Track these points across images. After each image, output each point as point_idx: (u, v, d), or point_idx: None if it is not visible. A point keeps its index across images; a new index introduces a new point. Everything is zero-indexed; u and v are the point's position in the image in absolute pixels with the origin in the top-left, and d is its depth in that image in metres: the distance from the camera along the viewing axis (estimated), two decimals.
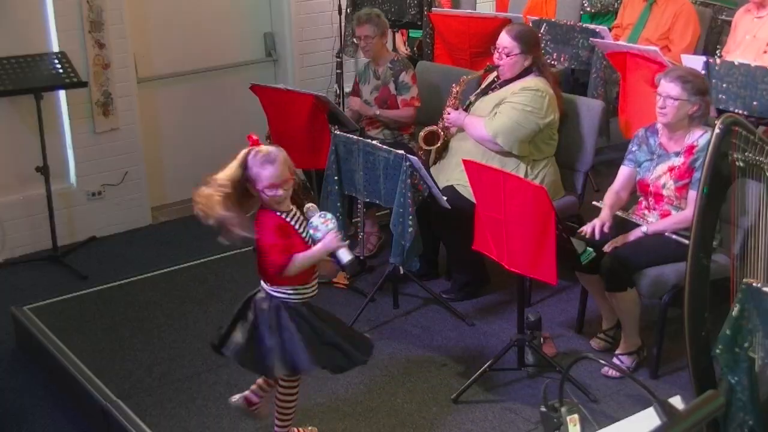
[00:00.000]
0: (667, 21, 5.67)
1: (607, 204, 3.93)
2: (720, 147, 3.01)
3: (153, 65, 5.95)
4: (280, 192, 3.05)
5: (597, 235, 3.78)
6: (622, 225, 3.90)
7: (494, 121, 4.32)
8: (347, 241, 3.16)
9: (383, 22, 5.11)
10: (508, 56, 4.34)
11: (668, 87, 3.69)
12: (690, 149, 3.74)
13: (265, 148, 3.09)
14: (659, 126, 3.83)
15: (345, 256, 3.10)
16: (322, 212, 3.14)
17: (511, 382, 3.82)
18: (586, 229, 3.81)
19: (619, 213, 3.96)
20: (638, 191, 3.93)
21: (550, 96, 4.31)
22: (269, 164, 3.03)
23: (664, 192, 3.81)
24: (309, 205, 3.16)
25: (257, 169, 3.03)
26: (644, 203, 3.93)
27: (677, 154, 3.77)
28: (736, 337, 2.84)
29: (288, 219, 3.11)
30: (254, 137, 3.12)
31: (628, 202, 4.02)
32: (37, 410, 3.95)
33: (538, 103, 4.29)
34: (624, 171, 3.97)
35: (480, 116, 4.41)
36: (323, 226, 3.09)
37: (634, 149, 3.94)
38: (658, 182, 3.81)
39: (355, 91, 5.31)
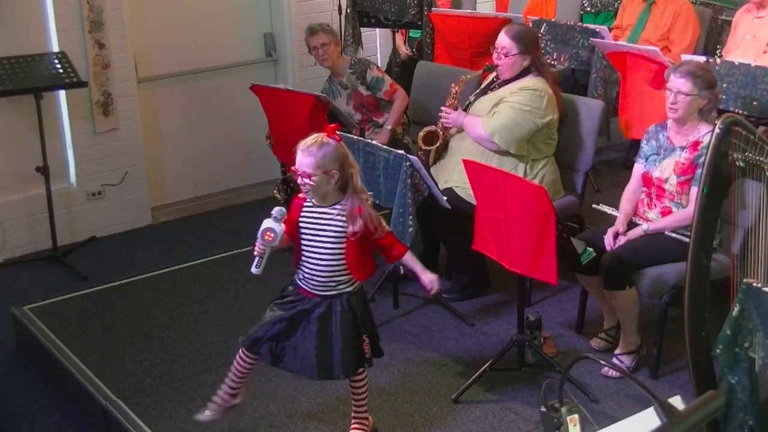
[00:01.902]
0: (667, 21, 5.67)
1: (622, 210, 3.95)
2: (720, 147, 3.00)
3: (153, 65, 5.95)
4: (298, 180, 3.14)
5: (612, 245, 3.80)
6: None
7: (492, 120, 4.32)
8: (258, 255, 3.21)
9: (334, 31, 5.20)
10: (506, 56, 4.34)
11: (679, 83, 3.70)
12: (695, 145, 3.75)
13: (314, 137, 3.14)
14: (669, 121, 3.84)
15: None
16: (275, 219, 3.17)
17: (511, 382, 3.82)
18: (606, 244, 3.83)
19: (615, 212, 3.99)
20: (642, 185, 3.93)
21: (549, 95, 4.31)
22: (299, 150, 3.13)
23: (667, 186, 3.81)
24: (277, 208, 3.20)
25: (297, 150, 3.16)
26: (645, 200, 3.93)
27: (683, 148, 3.78)
28: (736, 337, 2.84)
29: (304, 205, 3.21)
30: (330, 127, 3.20)
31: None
32: (37, 410, 3.95)
33: (537, 103, 4.29)
34: (637, 168, 3.97)
35: (479, 116, 4.41)
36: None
37: (643, 144, 3.96)
38: (662, 176, 3.82)
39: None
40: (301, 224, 3.21)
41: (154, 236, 5.69)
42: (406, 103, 5.11)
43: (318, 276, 3.20)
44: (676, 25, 5.65)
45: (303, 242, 3.22)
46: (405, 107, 5.10)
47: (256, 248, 3.19)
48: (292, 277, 3.32)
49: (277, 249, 3.21)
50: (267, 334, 3.25)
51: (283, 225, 3.16)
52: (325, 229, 3.18)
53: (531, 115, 4.28)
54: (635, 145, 5.71)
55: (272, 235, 3.14)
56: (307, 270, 3.22)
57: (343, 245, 3.17)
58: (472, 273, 4.56)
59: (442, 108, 4.57)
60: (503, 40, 4.35)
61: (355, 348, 3.24)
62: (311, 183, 3.10)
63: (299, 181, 3.14)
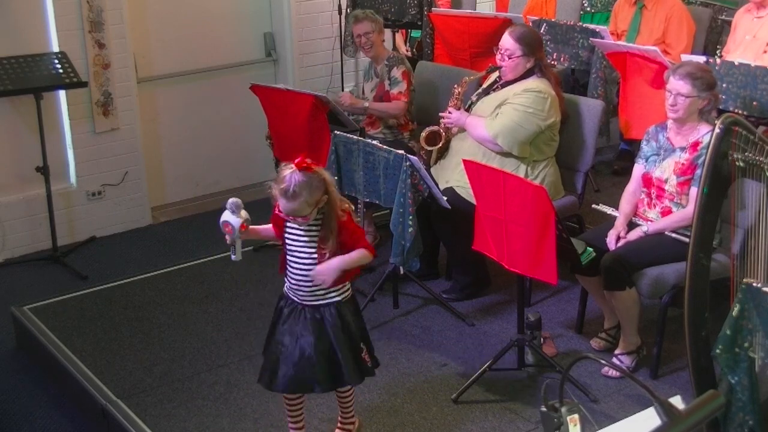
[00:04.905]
0: (660, 25, 5.64)
1: (622, 211, 3.95)
2: (720, 147, 3.01)
3: (153, 65, 5.95)
4: (290, 219, 3.09)
5: (614, 248, 3.80)
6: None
7: (495, 122, 4.32)
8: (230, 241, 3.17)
9: (379, 20, 5.18)
10: (510, 58, 4.33)
11: (678, 85, 3.70)
12: (695, 145, 3.75)
13: (282, 176, 3.04)
14: (669, 122, 3.84)
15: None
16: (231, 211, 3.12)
17: (511, 382, 3.82)
18: (608, 247, 3.83)
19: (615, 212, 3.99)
20: (642, 185, 3.93)
21: (552, 97, 4.31)
22: (283, 197, 3.03)
23: (667, 187, 3.81)
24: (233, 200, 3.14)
25: (277, 194, 3.05)
26: (645, 200, 3.93)
27: (682, 149, 3.78)
28: (736, 337, 2.84)
29: (288, 224, 3.14)
30: (297, 160, 3.06)
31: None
32: (37, 410, 3.95)
33: (540, 105, 4.28)
34: (637, 169, 3.98)
35: (481, 116, 4.41)
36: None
37: (643, 145, 3.96)
38: (662, 177, 3.82)
39: (363, 91, 5.37)
40: (287, 231, 3.17)
41: (154, 236, 5.69)
42: (399, 112, 5.08)
43: (304, 286, 3.15)
44: (670, 28, 5.62)
45: (288, 249, 3.18)
46: (393, 110, 5.07)
47: (226, 239, 3.17)
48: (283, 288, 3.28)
49: (260, 239, 3.22)
50: (273, 366, 3.21)
51: (242, 216, 3.11)
52: (306, 242, 3.13)
53: (534, 117, 4.28)
54: (624, 152, 5.73)
55: (230, 227, 3.12)
56: (293, 279, 3.18)
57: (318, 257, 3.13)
58: (472, 273, 4.56)
59: (448, 108, 4.56)
60: (507, 41, 4.34)
61: (356, 357, 3.20)
62: (307, 221, 3.08)
63: (292, 222, 3.10)
